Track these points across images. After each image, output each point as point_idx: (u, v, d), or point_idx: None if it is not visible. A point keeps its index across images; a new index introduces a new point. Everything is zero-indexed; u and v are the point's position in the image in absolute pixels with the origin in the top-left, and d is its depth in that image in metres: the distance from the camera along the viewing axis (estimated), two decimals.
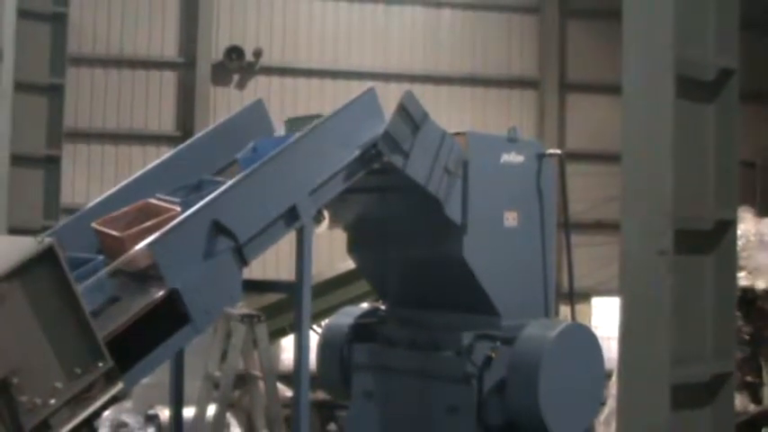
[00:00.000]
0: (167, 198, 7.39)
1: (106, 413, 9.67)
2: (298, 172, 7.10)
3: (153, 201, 7.37)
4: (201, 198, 7.01)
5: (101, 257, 6.82)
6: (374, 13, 23.45)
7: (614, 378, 9.82)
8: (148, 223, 6.92)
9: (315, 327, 10.85)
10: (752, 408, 10.91)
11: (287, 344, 14.43)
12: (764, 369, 10.99)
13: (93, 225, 7.23)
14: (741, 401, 10.39)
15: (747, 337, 10.92)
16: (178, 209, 7.08)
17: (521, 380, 7.46)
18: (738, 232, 4.89)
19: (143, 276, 6.51)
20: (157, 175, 7.57)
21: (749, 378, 11.01)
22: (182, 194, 7.49)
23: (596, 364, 7.85)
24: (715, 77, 4.52)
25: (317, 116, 7.82)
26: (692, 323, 4.37)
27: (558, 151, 8.55)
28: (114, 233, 7.03)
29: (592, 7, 23.33)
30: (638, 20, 4.44)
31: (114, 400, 5.92)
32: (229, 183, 6.80)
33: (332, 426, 15.49)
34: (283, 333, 12.86)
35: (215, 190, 7.03)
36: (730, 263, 4.62)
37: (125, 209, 7.35)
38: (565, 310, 8.90)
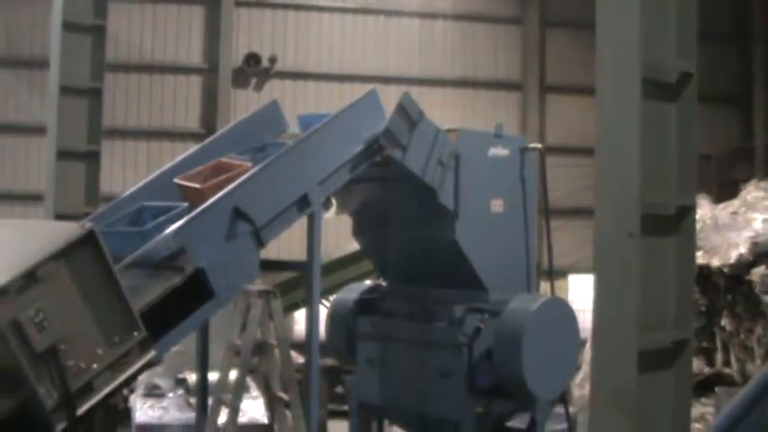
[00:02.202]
0: (237, 157, 7.47)
1: (141, 377, 9.67)
2: (309, 164, 7.10)
3: (225, 160, 7.44)
4: (267, 157, 7.13)
5: (185, 204, 6.93)
6: (375, 23, 23.44)
7: (588, 345, 9.83)
8: (224, 176, 7.03)
9: (324, 301, 10.85)
10: (706, 370, 10.93)
11: (299, 316, 14.50)
12: (717, 336, 11.00)
13: (175, 180, 7.35)
14: (697, 364, 10.41)
15: (703, 309, 10.93)
16: (250, 164, 7.15)
17: (506, 348, 7.47)
18: (696, 217, 4.90)
19: None
20: (185, 167, 7.57)
21: (704, 344, 11.02)
22: (248, 155, 7.54)
23: (572, 333, 7.86)
24: (676, 80, 4.52)
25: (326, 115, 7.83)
26: (657, 296, 4.39)
27: (539, 145, 8.54)
28: (195, 185, 7.11)
29: (568, 18, 23.35)
30: (610, 29, 4.45)
31: (148, 365, 5.93)
32: (247, 174, 6.80)
33: (339, 388, 15.51)
34: (296, 307, 12.87)
35: (278, 150, 7.17)
36: (690, 243, 4.64)
37: (200, 168, 7.44)
38: (545, 286, 8.90)
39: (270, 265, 8.20)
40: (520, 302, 7.65)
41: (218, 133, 8.39)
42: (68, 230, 5.51)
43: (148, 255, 6.42)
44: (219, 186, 6.85)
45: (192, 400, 10.04)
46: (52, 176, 9.46)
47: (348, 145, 7.36)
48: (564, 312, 7.85)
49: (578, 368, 10.45)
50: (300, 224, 7.28)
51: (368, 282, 10.26)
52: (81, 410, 5.45)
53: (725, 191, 17.65)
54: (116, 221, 7.04)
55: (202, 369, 8.27)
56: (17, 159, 21.26)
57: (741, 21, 25.40)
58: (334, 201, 8.22)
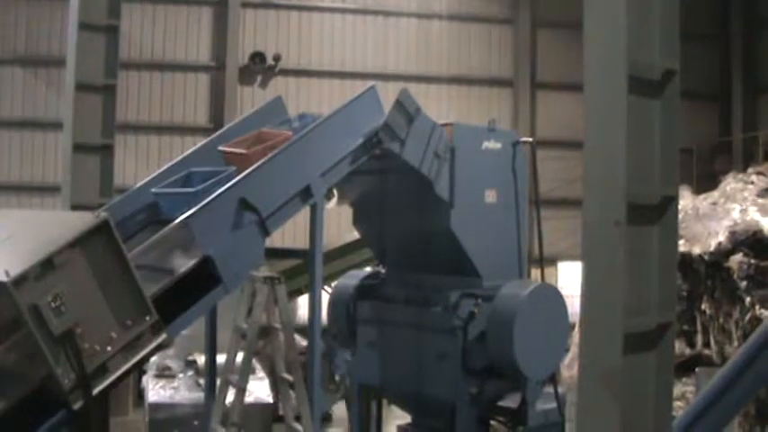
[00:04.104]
0: (276, 129, 7.60)
1: (153, 358, 9.70)
2: (311, 157, 7.09)
3: (266, 129, 7.51)
4: (305, 126, 7.29)
5: (233, 168, 6.98)
6: (375, 23, 23.44)
7: (577, 329, 9.85)
8: (268, 143, 7.13)
9: (326, 287, 10.86)
10: (687, 351, 10.96)
11: (302, 301, 14.48)
12: (698, 319, 11.02)
13: (220, 148, 7.44)
14: (679, 346, 10.44)
15: (685, 294, 10.95)
16: (290, 133, 7.18)
17: (499, 331, 7.47)
18: (678, 207, 4.89)
19: None
20: (195, 159, 7.56)
21: (685, 327, 11.05)
22: (286, 126, 7.57)
23: (561, 317, 7.86)
24: (660, 77, 4.51)
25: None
26: (641, 282, 4.38)
27: (530, 139, 8.53)
28: (241, 151, 7.16)
29: (558, 19, 23.36)
30: (597, 29, 4.44)
31: (159, 347, 5.93)
32: (252, 167, 6.79)
33: None
34: (299, 292, 12.88)
35: (314, 121, 7.31)
36: (672, 232, 4.63)
37: (243, 137, 7.52)
38: (535, 273, 8.90)
39: (274, 253, 8.19)
40: (512, 288, 7.64)
41: (225, 127, 8.37)
42: (84, 220, 5.51)
43: (161, 242, 6.42)
44: (264, 152, 6.91)
45: (201, 381, 10.07)
46: (68, 169, 9.43)
47: (349, 139, 7.35)
48: (553, 297, 7.84)
49: (567, 350, 10.47)
50: (303, 214, 7.28)
51: (367, 269, 10.27)
52: (96, 390, 5.46)
53: (705, 183, 17.68)
54: (168, 185, 7.11)
55: (211, 351, 8.27)
56: (35, 153, 21.31)
57: (721, 22, 25.41)
58: (335, 192, 8.22)
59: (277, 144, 7.01)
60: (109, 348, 5.48)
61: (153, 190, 7.12)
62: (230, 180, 6.65)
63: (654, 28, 4.49)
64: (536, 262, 8.63)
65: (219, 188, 6.56)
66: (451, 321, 7.62)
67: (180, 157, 7.68)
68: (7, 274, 5.01)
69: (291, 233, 13.00)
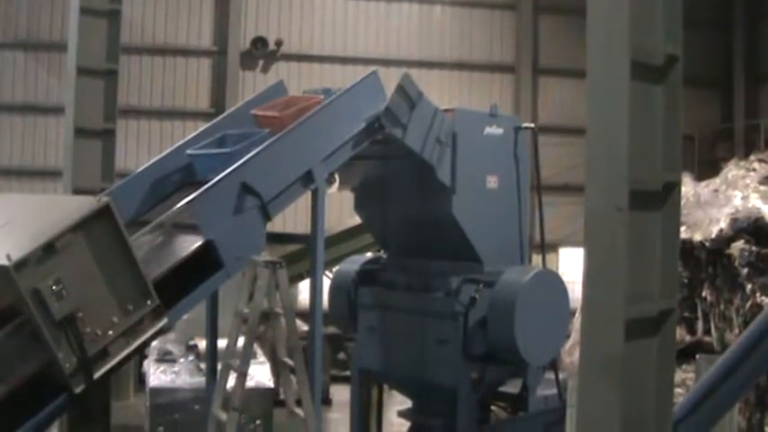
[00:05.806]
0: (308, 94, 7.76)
1: (154, 343, 9.69)
2: (313, 142, 7.09)
3: (296, 95, 7.74)
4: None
5: (266, 130, 7.14)
6: (377, 8, 23.39)
7: (578, 315, 9.84)
8: (301, 105, 7.27)
9: (327, 272, 10.85)
10: (688, 338, 10.95)
11: (304, 286, 14.47)
12: (699, 306, 11.01)
13: (253, 111, 7.56)
14: (679, 333, 10.42)
15: (686, 281, 10.94)
16: (321, 97, 7.25)
17: (500, 317, 7.47)
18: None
19: None
20: (197, 143, 7.55)
21: (686, 314, 11.04)
22: (320, 91, 7.67)
23: (563, 303, 7.87)
24: (663, 63, 4.49)
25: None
26: (643, 268, 4.37)
27: (532, 125, 8.51)
28: (274, 114, 7.29)
29: (560, 4, 23.28)
30: (600, 14, 4.41)
31: (161, 332, 5.94)
32: (254, 151, 6.78)
33: (341, 355, 15.56)
34: (301, 277, 12.89)
35: (341, 91, 7.50)
36: (674, 218, 4.61)
37: (273, 102, 7.65)
38: (536, 259, 8.89)
39: (276, 238, 8.20)
40: (513, 274, 7.64)
41: (227, 112, 8.36)
42: (85, 204, 5.51)
43: (163, 224, 6.43)
44: (296, 115, 6.96)
45: (203, 366, 10.07)
46: (70, 153, 9.42)
47: (351, 124, 7.34)
48: (555, 284, 7.85)
49: (568, 336, 10.46)
50: (305, 199, 7.27)
51: (369, 254, 10.26)
52: (98, 374, 5.47)
53: (707, 169, 17.66)
54: (202, 147, 7.17)
55: (212, 336, 8.28)
56: (37, 137, 21.30)
57: (723, 9, 25.33)
58: (337, 177, 8.20)
59: (309, 107, 7.08)
60: (110, 333, 5.49)
61: (188, 151, 7.17)
62: (264, 141, 6.73)
63: (657, 13, 4.47)
64: (537, 248, 8.62)
65: (255, 149, 6.63)
66: (453, 307, 7.62)
67: (182, 141, 7.67)
68: (9, 258, 5.01)
69: (293, 218, 13.00)
